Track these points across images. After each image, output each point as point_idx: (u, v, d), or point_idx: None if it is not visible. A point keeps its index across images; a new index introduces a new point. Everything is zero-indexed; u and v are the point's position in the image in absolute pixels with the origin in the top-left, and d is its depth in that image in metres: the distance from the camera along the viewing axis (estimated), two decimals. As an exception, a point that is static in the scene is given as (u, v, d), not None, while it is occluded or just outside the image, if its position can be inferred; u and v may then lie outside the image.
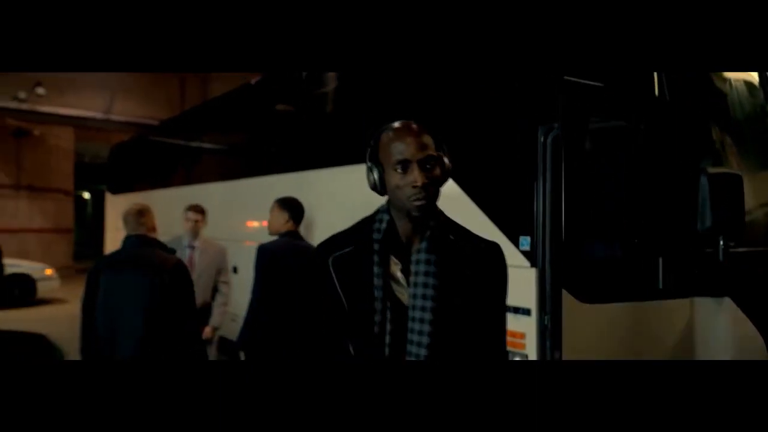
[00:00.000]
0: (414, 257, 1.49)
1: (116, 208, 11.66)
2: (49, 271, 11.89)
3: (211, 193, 6.80)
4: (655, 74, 2.95)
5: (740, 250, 2.96)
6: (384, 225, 1.53)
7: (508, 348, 3.07)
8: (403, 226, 1.51)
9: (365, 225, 1.58)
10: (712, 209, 2.58)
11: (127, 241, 3.24)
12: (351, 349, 1.49)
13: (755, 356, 2.81)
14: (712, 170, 2.66)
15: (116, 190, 12.09)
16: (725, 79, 3.34)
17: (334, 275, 1.52)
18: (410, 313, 1.45)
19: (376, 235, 1.52)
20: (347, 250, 1.55)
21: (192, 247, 4.61)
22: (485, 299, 1.49)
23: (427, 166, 1.45)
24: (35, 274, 11.53)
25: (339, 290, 1.51)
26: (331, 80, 5.10)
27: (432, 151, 1.46)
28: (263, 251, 3.76)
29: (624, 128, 2.88)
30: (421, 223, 1.49)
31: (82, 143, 19.40)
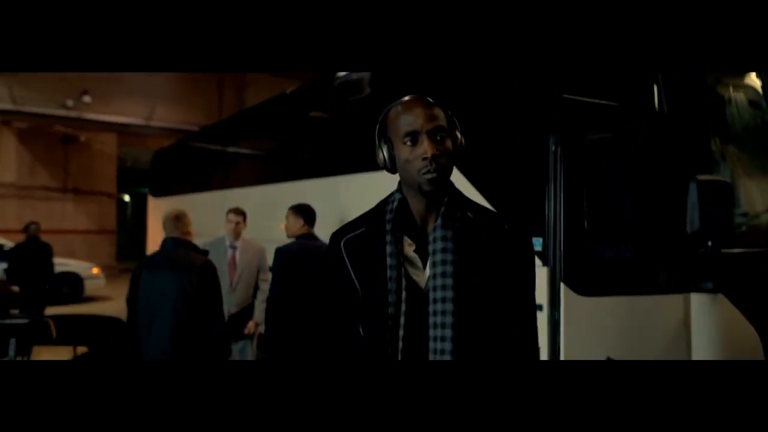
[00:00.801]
0: (430, 236, 1.41)
1: (158, 210, 12.19)
2: (95, 270, 12.49)
3: (248, 197, 7.14)
4: (655, 88, 3.20)
5: (736, 251, 3.17)
6: (395, 203, 1.47)
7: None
8: (416, 204, 1.44)
9: (379, 207, 1.53)
10: (700, 213, 2.80)
11: (165, 243, 3.57)
12: (362, 333, 1.45)
13: (743, 348, 3.02)
14: (700, 177, 2.87)
15: (158, 194, 12.56)
16: (721, 91, 3.55)
17: (346, 258, 1.48)
18: (431, 295, 1.38)
19: (388, 216, 1.46)
20: (359, 231, 1.50)
21: (234, 248, 4.96)
22: (509, 277, 1.41)
23: (438, 138, 1.39)
24: (83, 273, 12.11)
25: (351, 273, 1.46)
26: (362, 88, 5.39)
27: (442, 122, 1.41)
28: (279, 253, 4.07)
29: (622, 139, 3.12)
30: (435, 200, 1.42)
31: (124, 148, 20.15)
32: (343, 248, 1.48)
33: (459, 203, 1.44)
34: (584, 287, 2.94)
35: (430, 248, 1.39)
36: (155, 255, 3.62)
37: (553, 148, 3.09)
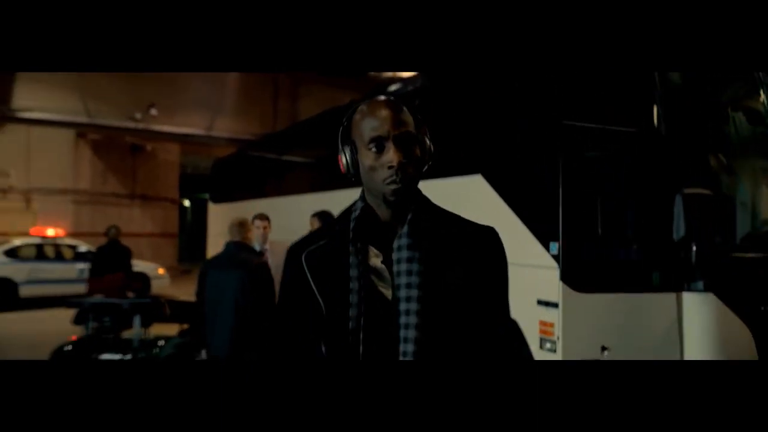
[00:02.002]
0: (395, 244, 1.32)
1: (217, 215, 13.03)
2: (161, 271, 13.48)
3: (300, 204, 7.72)
4: (654, 110, 3.69)
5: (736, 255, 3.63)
6: (358, 212, 1.38)
7: (541, 335, 3.88)
8: (381, 213, 1.35)
9: (342, 218, 1.46)
10: (685, 221, 3.28)
11: (228, 245, 4.18)
12: (324, 351, 1.35)
13: (728, 341, 3.48)
14: (687, 190, 3.36)
15: (217, 200, 13.35)
16: (717, 110, 4.00)
17: (307, 272, 1.37)
18: (398, 306, 1.29)
19: (352, 224, 1.36)
20: (321, 243, 1.41)
21: (264, 251, 5.43)
22: (480, 286, 1.31)
23: (405, 145, 1.29)
24: (150, 273, 13.09)
25: (314, 288, 1.35)
26: (411, 99, 5.85)
27: (410, 128, 1.31)
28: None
29: (618, 158, 3.64)
30: (400, 208, 1.33)
31: (185, 156, 21.32)
32: (304, 262, 1.38)
33: (426, 210, 1.36)
34: (580, 285, 3.48)
35: (394, 257, 1.31)
36: (220, 255, 4.24)
37: (559, 166, 3.65)
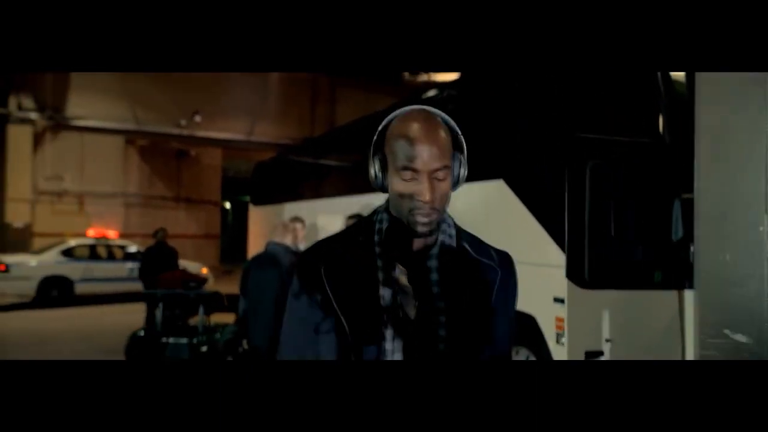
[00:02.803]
0: (425, 264, 1.29)
1: (257, 217, 13.52)
2: (204, 270, 14.06)
3: (339, 206, 8.04)
4: (659, 121, 3.98)
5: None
6: (385, 224, 1.33)
7: (556, 330, 4.21)
8: (407, 229, 1.28)
9: (361, 228, 1.37)
10: (683, 225, 3.55)
11: (269, 245, 4.55)
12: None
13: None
14: (684, 195, 3.63)
15: (258, 202, 13.78)
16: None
17: (327, 286, 1.28)
18: (425, 327, 1.26)
19: (377, 237, 1.32)
20: (342, 256, 1.32)
21: (298, 251, 5.92)
22: (495, 308, 1.32)
23: (439, 179, 1.24)
24: (194, 272, 13.69)
25: (334, 304, 1.27)
26: (446, 105, 5.99)
27: (446, 161, 1.24)
28: None
29: (616, 166, 3.94)
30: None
31: (227, 160, 22.03)
32: (324, 275, 1.29)
33: (454, 231, 1.35)
34: (583, 282, 3.80)
35: (422, 277, 1.28)
36: (261, 255, 4.60)
37: (565, 174, 4.00)
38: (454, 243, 1.34)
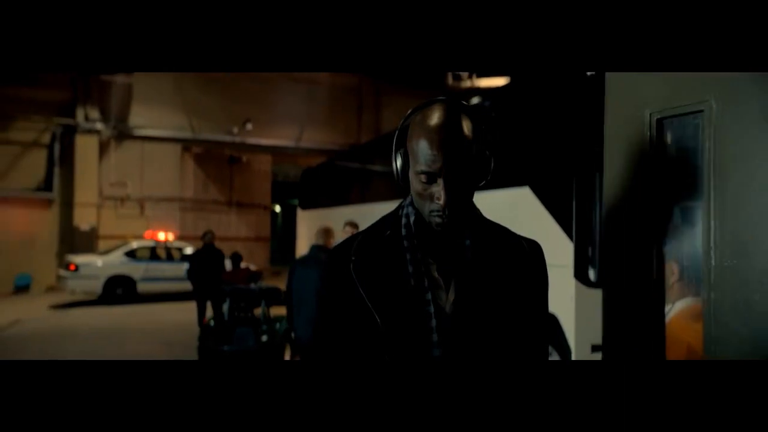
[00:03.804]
0: (456, 256, 1.27)
1: (305, 221, 14.10)
2: (254, 269, 14.78)
3: (383, 211, 8.53)
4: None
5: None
6: (412, 218, 1.30)
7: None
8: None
9: (388, 222, 1.35)
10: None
11: (312, 248, 5.06)
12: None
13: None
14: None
15: (305, 206, 14.32)
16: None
17: (357, 281, 1.27)
18: (457, 322, 1.24)
19: (404, 231, 1.29)
20: (371, 251, 1.30)
21: None
22: (526, 297, 1.29)
23: (458, 180, 1.21)
24: (246, 273, 14.43)
25: (366, 299, 1.25)
26: (485, 112, 6.24)
27: (467, 160, 1.20)
28: None
29: None
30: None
31: (276, 165, 22.78)
32: (352, 271, 1.28)
33: (481, 223, 1.32)
34: (588, 281, 4.19)
35: (456, 271, 1.26)
36: (305, 256, 5.10)
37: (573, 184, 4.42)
38: (483, 233, 1.31)
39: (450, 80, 20.41)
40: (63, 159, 17.02)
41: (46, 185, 16.86)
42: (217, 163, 20.05)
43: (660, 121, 1.81)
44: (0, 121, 16.23)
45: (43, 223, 16.88)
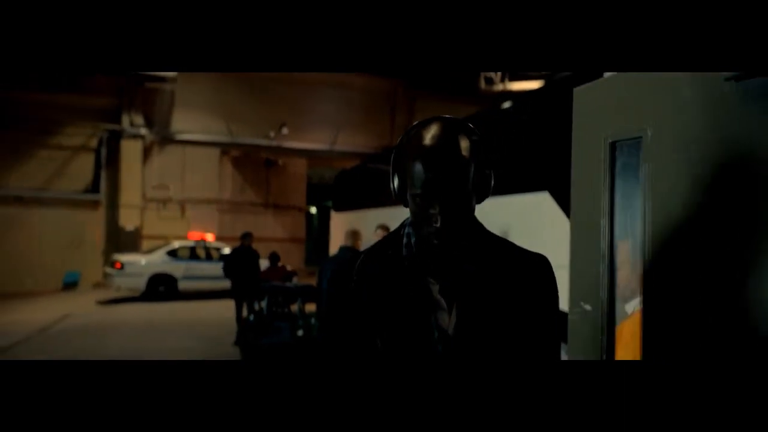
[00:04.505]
0: (457, 276, 1.24)
1: (338, 222, 14.41)
2: (289, 268, 15.20)
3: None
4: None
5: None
6: (413, 238, 1.28)
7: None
8: (433, 242, 1.22)
9: (390, 242, 1.34)
10: None
11: (341, 248, 5.37)
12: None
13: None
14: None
15: (339, 208, 14.56)
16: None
17: (360, 302, 1.27)
18: (458, 343, 1.22)
19: (405, 251, 1.28)
20: (373, 271, 1.29)
21: None
22: (536, 317, 1.26)
23: (454, 200, 1.18)
24: (281, 273, 14.88)
25: (369, 316, 1.25)
26: (521, 116, 6.28)
27: (463, 180, 1.17)
28: None
29: None
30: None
31: (311, 168, 23.24)
32: (355, 290, 1.28)
33: (485, 240, 1.29)
34: None
35: (458, 292, 1.23)
36: (334, 256, 5.46)
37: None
38: (486, 252, 1.27)
39: (482, 84, 20.54)
40: (109, 163, 17.82)
41: (94, 188, 17.68)
42: (254, 167, 20.56)
43: (612, 144, 2.09)
44: (51, 127, 17.11)
45: (91, 223, 17.70)
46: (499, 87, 20.47)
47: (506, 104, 6.83)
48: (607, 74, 2.26)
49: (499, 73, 20.12)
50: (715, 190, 1.71)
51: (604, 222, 2.10)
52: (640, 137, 1.92)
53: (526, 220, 5.71)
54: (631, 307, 1.99)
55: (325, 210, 24.81)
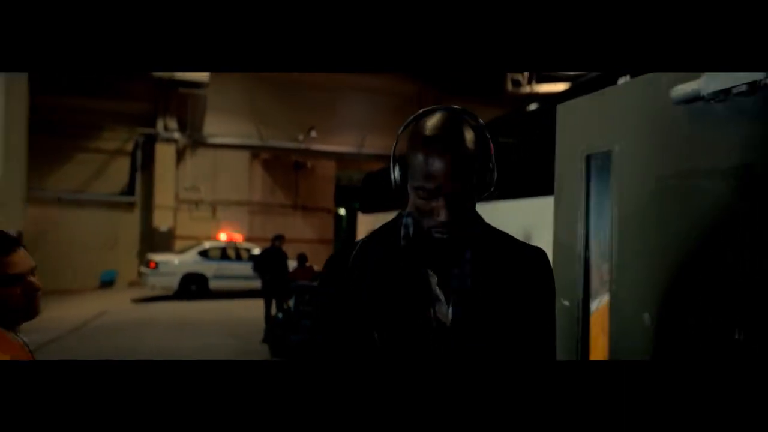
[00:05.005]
0: (456, 269, 1.22)
1: (365, 224, 14.63)
2: (317, 269, 15.52)
3: None
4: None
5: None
6: (411, 230, 1.24)
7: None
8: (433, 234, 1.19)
9: (388, 232, 1.30)
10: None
11: None
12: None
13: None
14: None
15: (365, 210, 14.86)
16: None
17: (357, 293, 1.24)
18: (457, 335, 1.20)
19: (403, 242, 1.24)
20: (371, 261, 1.25)
21: None
22: (534, 309, 1.25)
23: (458, 194, 1.15)
24: (309, 274, 15.20)
25: (365, 311, 1.22)
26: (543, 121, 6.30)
27: (467, 174, 1.14)
28: None
29: None
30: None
31: (340, 171, 23.56)
32: (353, 279, 1.25)
33: (483, 232, 1.28)
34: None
35: (455, 283, 1.22)
36: None
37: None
38: (484, 244, 1.26)
39: (509, 86, 20.60)
40: (144, 166, 18.43)
41: (129, 190, 18.30)
42: (283, 169, 20.92)
43: (588, 157, 2.30)
44: (90, 131, 17.80)
45: (126, 224, 18.32)
46: (526, 89, 20.51)
47: (532, 106, 6.93)
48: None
49: (526, 76, 20.18)
50: (667, 198, 1.92)
51: (580, 226, 2.32)
52: (610, 151, 2.14)
53: (530, 226, 5.76)
54: (595, 305, 2.20)
55: (354, 212, 25.00)
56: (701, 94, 1.65)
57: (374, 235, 1.32)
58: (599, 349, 2.18)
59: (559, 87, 18.27)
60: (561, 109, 2.54)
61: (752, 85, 1.54)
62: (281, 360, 7.36)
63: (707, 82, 1.63)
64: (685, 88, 1.73)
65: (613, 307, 2.09)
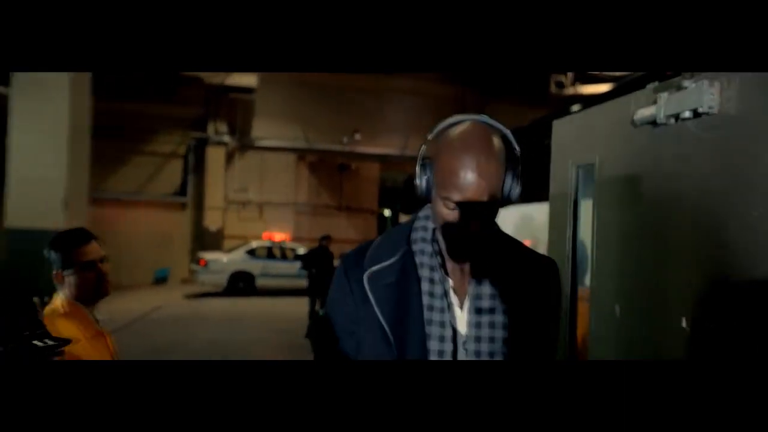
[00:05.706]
0: (477, 278, 1.22)
1: (407, 225, 14.92)
2: (360, 271, 15.89)
3: None
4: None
5: None
6: (429, 234, 1.26)
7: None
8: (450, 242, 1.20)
9: (404, 235, 1.30)
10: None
11: None
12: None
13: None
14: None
15: (407, 211, 15.38)
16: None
17: (371, 295, 1.20)
18: (473, 346, 1.20)
19: (421, 245, 1.25)
20: (387, 263, 1.23)
21: None
22: (545, 319, 1.26)
23: (484, 208, 1.14)
24: (352, 273, 15.53)
25: (378, 313, 1.19)
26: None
27: (495, 189, 1.14)
28: None
29: None
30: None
31: (384, 172, 23.92)
32: (367, 285, 1.22)
33: (500, 240, 1.29)
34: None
35: (475, 291, 1.22)
36: None
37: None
38: (499, 252, 1.26)
39: (553, 88, 20.52)
40: (196, 168, 19.21)
41: (181, 191, 19.13)
42: (328, 171, 21.37)
43: (577, 168, 2.59)
44: (145, 135, 18.68)
45: (179, 223, 19.12)
46: (570, 91, 20.35)
47: (575, 107, 7.07)
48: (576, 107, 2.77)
49: (569, 77, 20.09)
50: (638, 207, 2.20)
51: (569, 229, 2.61)
52: (594, 163, 2.42)
53: (543, 231, 5.94)
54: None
55: (398, 212, 25.38)
56: (655, 119, 1.94)
57: (388, 238, 1.33)
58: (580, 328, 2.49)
59: (603, 88, 18.13)
60: (556, 124, 2.83)
61: (695, 112, 1.82)
62: (286, 361, 7.53)
63: (661, 108, 1.91)
64: (644, 112, 2.02)
65: (593, 298, 2.38)
